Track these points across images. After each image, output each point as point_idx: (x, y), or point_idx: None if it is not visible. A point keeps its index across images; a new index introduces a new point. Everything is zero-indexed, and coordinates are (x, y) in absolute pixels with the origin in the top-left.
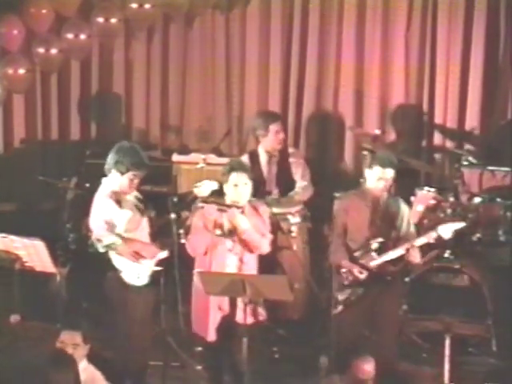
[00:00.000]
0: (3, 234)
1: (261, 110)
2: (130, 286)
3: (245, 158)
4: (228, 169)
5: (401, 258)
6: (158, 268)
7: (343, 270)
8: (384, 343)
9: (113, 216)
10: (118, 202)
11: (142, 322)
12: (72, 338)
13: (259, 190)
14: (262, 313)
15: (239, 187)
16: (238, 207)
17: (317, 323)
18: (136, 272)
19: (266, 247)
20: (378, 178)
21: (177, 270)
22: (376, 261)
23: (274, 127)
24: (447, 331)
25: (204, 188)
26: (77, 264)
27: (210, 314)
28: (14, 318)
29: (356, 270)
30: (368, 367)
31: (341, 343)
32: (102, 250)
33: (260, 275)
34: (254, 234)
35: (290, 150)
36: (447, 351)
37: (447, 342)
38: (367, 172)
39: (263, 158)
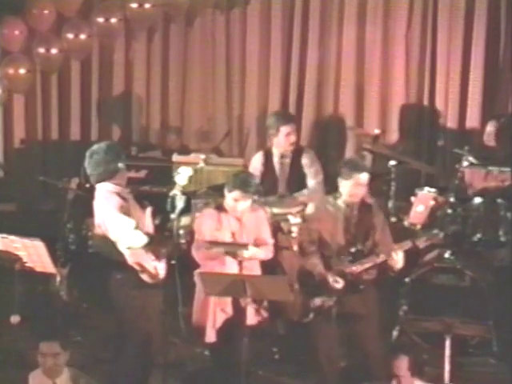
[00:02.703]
0: (3, 234)
1: (276, 110)
2: (146, 285)
3: (259, 156)
4: (232, 185)
5: (373, 267)
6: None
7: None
8: (367, 351)
9: (132, 212)
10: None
11: (156, 319)
12: (51, 347)
13: (272, 189)
14: (264, 314)
15: (239, 202)
16: (243, 245)
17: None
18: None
19: (269, 255)
20: (356, 185)
21: (177, 270)
22: (351, 268)
23: (284, 129)
24: (447, 332)
25: (181, 176)
26: (77, 264)
27: (209, 314)
28: (14, 318)
29: (331, 279)
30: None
31: (316, 353)
32: (125, 249)
33: (260, 276)
34: (258, 254)
35: (304, 148)
36: (448, 352)
37: (447, 343)
38: (344, 182)
39: (276, 157)
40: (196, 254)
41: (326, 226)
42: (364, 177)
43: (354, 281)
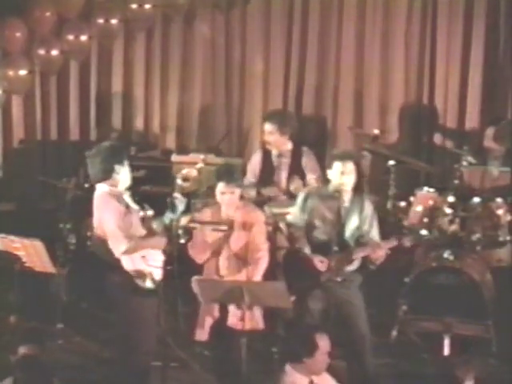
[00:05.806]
0: (3, 234)
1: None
2: (141, 290)
3: (258, 154)
4: (216, 178)
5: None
6: (168, 267)
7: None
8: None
9: (127, 216)
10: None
11: (151, 323)
12: (31, 350)
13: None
14: (260, 320)
15: (226, 195)
16: (230, 227)
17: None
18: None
19: (264, 260)
20: (340, 173)
21: (176, 270)
22: (336, 257)
23: (265, 126)
24: (447, 331)
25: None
26: (76, 264)
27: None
28: (14, 318)
29: (316, 261)
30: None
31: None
32: (119, 255)
33: (258, 282)
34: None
35: (304, 148)
36: (447, 351)
37: (447, 343)
38: (330, 173)
39: (275, 155)
40: (192, 252)
41: (319, 215)
42: (348, 166)
43: (338, 269)
